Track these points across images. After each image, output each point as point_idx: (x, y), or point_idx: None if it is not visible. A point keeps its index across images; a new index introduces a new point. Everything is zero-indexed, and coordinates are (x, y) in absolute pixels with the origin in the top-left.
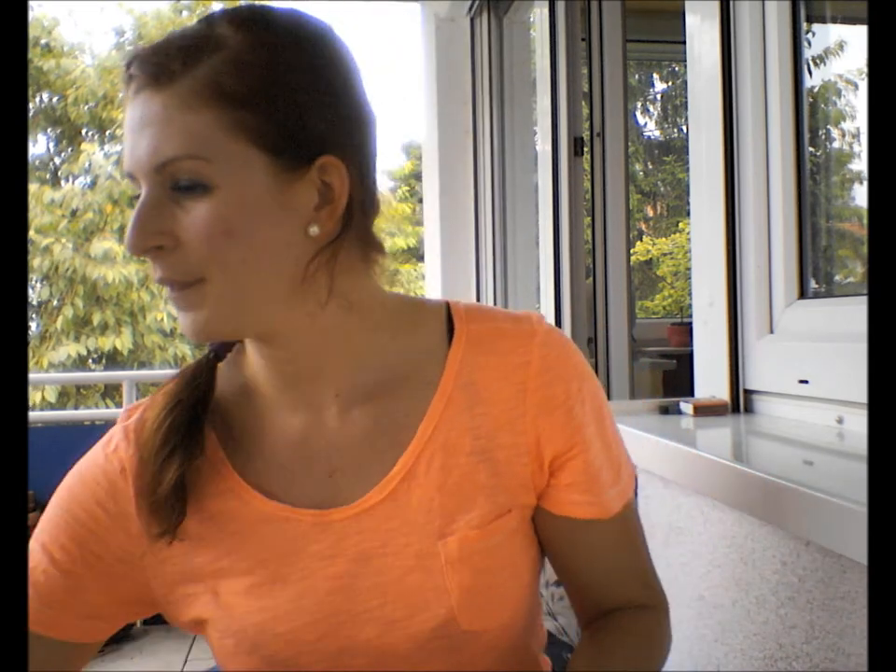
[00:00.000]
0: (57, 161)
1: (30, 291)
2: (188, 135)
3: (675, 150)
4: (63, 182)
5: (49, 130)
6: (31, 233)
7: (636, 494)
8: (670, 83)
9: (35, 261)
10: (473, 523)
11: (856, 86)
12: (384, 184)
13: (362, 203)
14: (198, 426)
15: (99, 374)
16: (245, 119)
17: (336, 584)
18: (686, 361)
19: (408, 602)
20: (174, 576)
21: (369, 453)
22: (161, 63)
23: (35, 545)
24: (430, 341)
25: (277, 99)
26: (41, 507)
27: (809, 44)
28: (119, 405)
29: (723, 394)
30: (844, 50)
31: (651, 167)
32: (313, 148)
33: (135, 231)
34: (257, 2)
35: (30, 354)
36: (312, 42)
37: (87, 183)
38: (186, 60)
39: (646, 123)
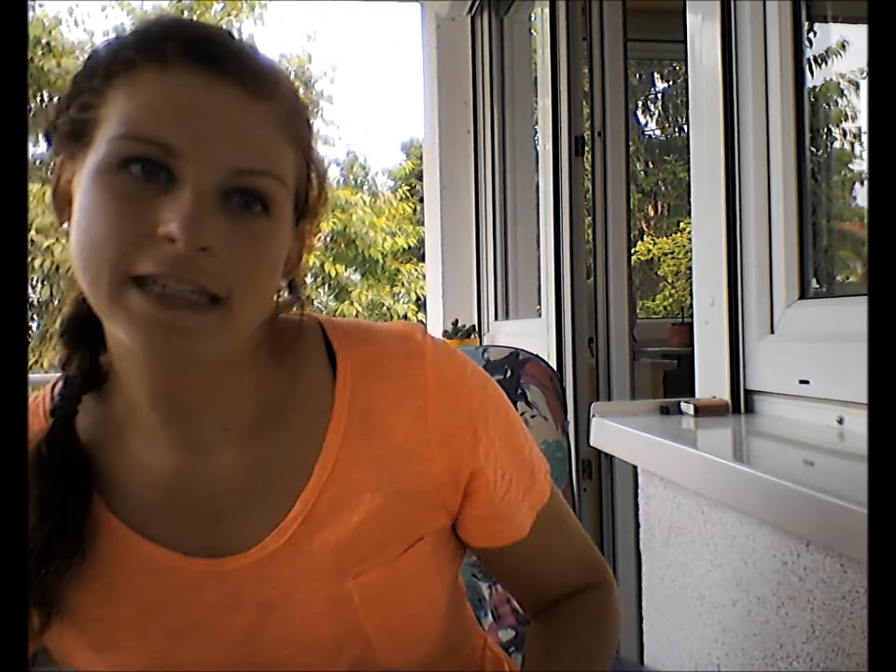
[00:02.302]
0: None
1: (30, 291)
2: (278, 157)
3: (676, 150)
4: None
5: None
6: (32, 233)
7: (635, 495)
8: (671, 82)
9: (36, 261)
10: (384, 558)
11: (857, 86)
12: (384, 183)
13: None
14: (72, 473)
15: None
16: (300, 167)
17: (240, 636)
18: (687, 361)
19: (322, 649)
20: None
21: (259, 494)
22: (255, 72)
23: None
24: (314, 369)
25: (314, 161)
26: None
27: (811, 43)
28: None
29: (724, 394)
30: (845, 50)
31: (651, 166)
32: (303, 214)
33: (198, 223)
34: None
35: (30, 354)
36: None
37: None
38: (272, 82)
39: (647, 123)
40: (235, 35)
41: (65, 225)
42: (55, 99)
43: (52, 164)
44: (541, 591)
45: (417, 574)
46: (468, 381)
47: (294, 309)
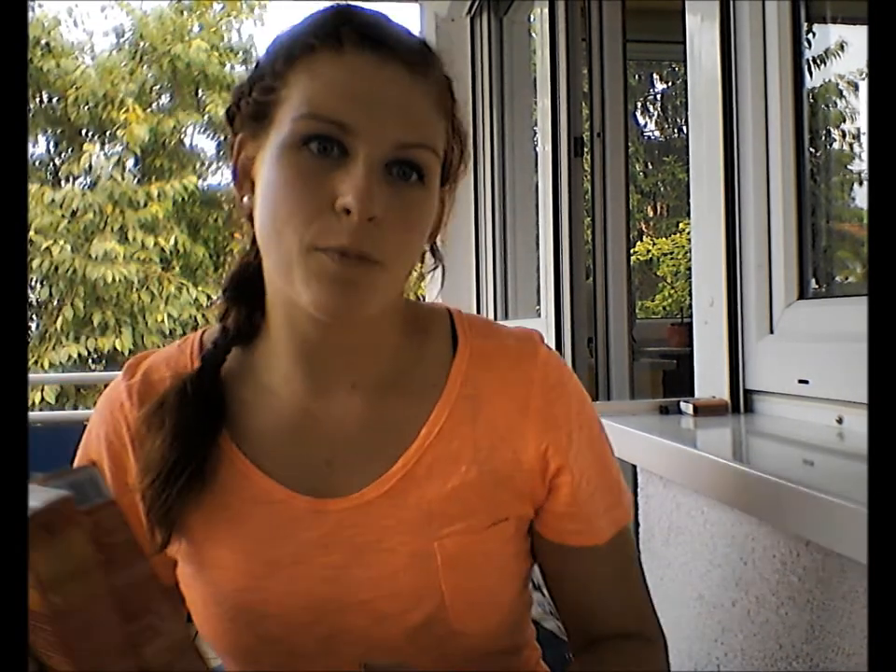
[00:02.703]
0: (57, 161)
1: (29, 292)
2: (434, 130)
3: (675, 150)
4: (63, 183)
5: (49, 130)
6: (31, 234)
7: (635, 495)
8: (670, 83)
9: (35, 262)
10: (470, 527)
11: (856, 87)
12: None
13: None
14: (208, 411)
15: (99, 374)
16: (448, 138)
17: (330, 574)
18: (686, 361)
19: (400, 599)
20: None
21: (368, 447)
22: (417, 52)
23: None
24: (436, 348)
25: (460, 132)
26: None
27: (810, 44)
28: None
29: (723, 394)
30: (844, 51)
31: (651, 167)
32: (447, 178)
33: (371, 196)
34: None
35: (29, 354)
36: None
37: (87, 184)
38: (430, 61)
39: (646, 123)
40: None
41: (245, 199)
42: (237, 85)
43: (231, 143)
44: (595, 619)
45: (498, 551)
46: (571, 389)
47: (437, 270)
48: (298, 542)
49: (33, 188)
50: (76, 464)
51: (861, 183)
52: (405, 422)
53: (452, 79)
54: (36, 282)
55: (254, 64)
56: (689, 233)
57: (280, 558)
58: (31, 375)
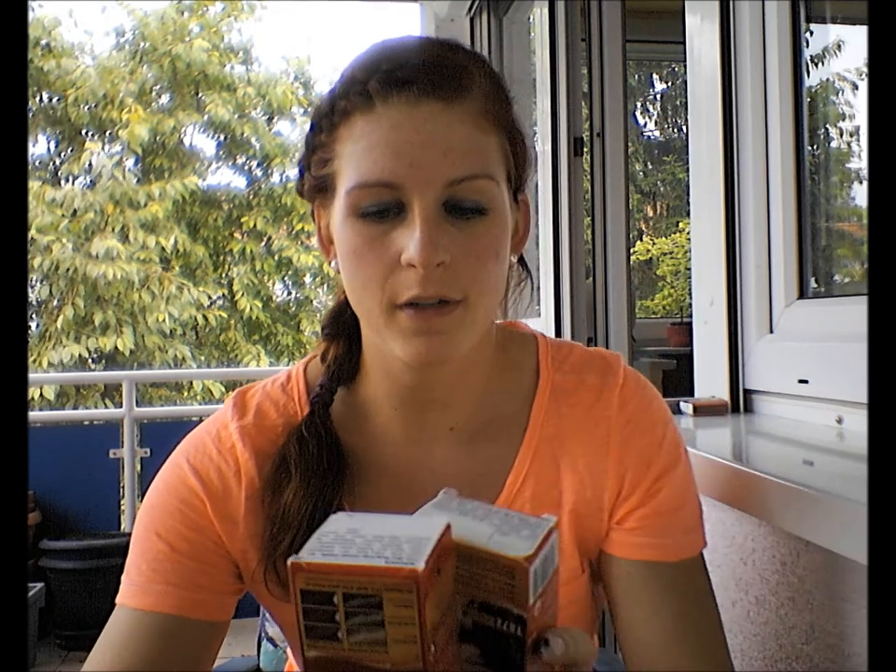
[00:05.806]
0: (57, 161)
1: (29, 291)
2: (483, 155)
3: (675, 150)
4: (63, 182)
5: (49, 130)
6: (32, 233)
7: None
8: (670, 83)
9: (36, 261)
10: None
11: (855, 85)
12: None
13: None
14: (329, 458)
15: (99, 374)
16: (505, 147)
17: None
18: (686, 361)
19: None
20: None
21: (466, 494)
22: (446, 77)
23: (144, 533)
24: (522, 383)
25: (516, 132)
26: (41, 507)
27: (807, 44)
28: (118, 405)
29: (723, 394)
30: (842, 50)
31: (650, 167)
32: (520, 184)
33: (431, 245)
34: None
35: (29, 353)
36: None
37: (87, 183)
38: (465, 80)
39: (646, 123)
40: (422, 45)
41: (333, 263)
42: (298, 158)
43: (311, 211)
44: (655, 657)
45: (577, 601)
46: (653, 415)
47: (526, 283)
48: None
49: (33, 187)
50: (158, 486)
51: (860, 181)
52: (494, 468)
53: (499, 76)
54: (37, 281)
55: (304, 138)
56: (689, 233)
57: None
58: (31, 375)
